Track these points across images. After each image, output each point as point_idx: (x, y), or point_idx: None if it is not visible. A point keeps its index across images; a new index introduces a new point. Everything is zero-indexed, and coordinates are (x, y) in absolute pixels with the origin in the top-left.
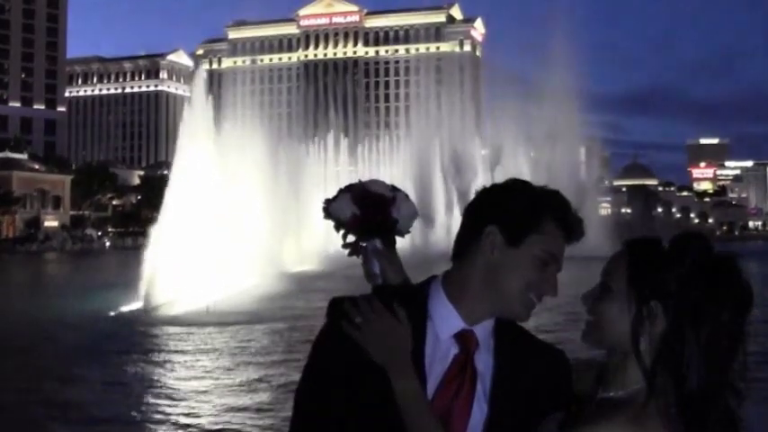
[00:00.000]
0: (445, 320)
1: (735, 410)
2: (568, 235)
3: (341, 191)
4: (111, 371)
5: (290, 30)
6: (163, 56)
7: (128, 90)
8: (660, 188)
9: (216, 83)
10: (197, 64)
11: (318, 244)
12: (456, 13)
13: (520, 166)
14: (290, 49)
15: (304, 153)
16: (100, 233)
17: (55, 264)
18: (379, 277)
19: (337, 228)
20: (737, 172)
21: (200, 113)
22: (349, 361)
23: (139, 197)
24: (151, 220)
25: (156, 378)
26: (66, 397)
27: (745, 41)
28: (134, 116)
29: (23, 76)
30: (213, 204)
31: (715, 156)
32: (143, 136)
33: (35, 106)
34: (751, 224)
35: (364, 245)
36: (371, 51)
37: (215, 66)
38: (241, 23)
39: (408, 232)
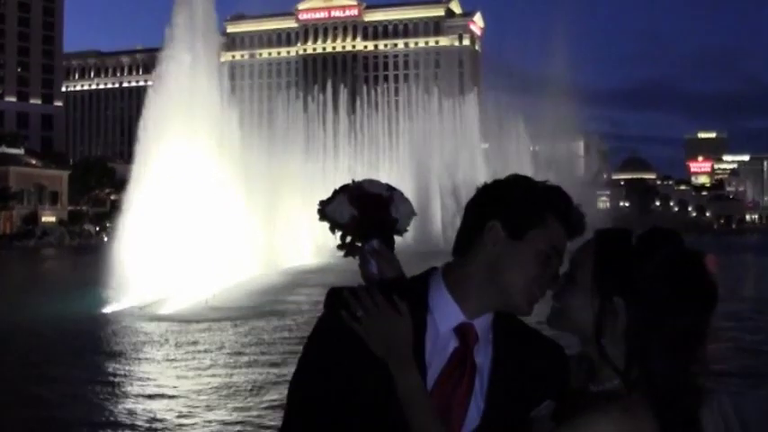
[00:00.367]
0: (445, 313)
1: (698, 407)
2: (570, 230)
3: (336, 192)
4: (99, 369)
5: (288, 24)
6: (160, 50)
7: (125, 84)
8: (658, 182)
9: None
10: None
11: (317, 236)
12: (455, 6)
13: (520, 159)
14: (288, 43)
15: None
16: (98, 228)
17: (52, 260)
18: (377, 278)
19: (333, 229)
20: (735, 166)
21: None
22: (347, 352)
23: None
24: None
25: (150, 376)
26: (50, 396)
27: (743, 36)
28: (132, 111)
29: (20, 70)
30: (207, 198)
31: (713, 150)
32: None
33: (32, 101)
34: (748, 217)
35: (361, 245)
36: (370, 45)
37: (213, 60)
38: (239, 18)
39: (407, 231)
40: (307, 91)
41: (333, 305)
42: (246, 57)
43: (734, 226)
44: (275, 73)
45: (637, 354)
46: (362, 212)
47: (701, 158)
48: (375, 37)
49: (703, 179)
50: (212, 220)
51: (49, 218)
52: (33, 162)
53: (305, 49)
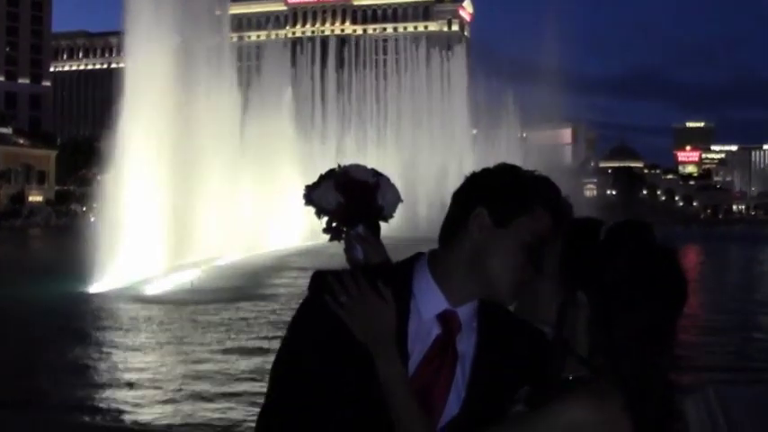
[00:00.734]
0: (429, 300)
1: (672, 400)
2: (557, 220)
3: (322, 177)
4: (77, 352)
5: (277, 7)
6: (149, 31)
7: (114, 65)
8: (646, 171)
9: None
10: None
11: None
12: None
13: (509, 146)
14: (277, 26)
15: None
16: (85, 209)
17: (38, 239)
18: (363, 263)
19: (319, 214)
20: (722, 156)
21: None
22: (331, 335)
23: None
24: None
25: (129, 360)
26: (32, 382)
27: (732, 26)
28: (120, 91)
29: (8, 50)
30: (195, 178)
31: (701, 139)
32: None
33: (20, 81)
34: (735, 208)
35: (347, 231)
36: (359, 29)
37: (202, 43)
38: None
39: (392, 217)
40: (297, 72)
41: (317, 288)
42: (234, 39)
43: (721, 216)
44: (264, 56)
45: (600, 348)
46: (349, 199)
47: (688, 148)
48: (364, 21)
49: (691, 169)
50: (202, 199)
51: (36, 197)
52: (21, 142)
53: (293, 33)
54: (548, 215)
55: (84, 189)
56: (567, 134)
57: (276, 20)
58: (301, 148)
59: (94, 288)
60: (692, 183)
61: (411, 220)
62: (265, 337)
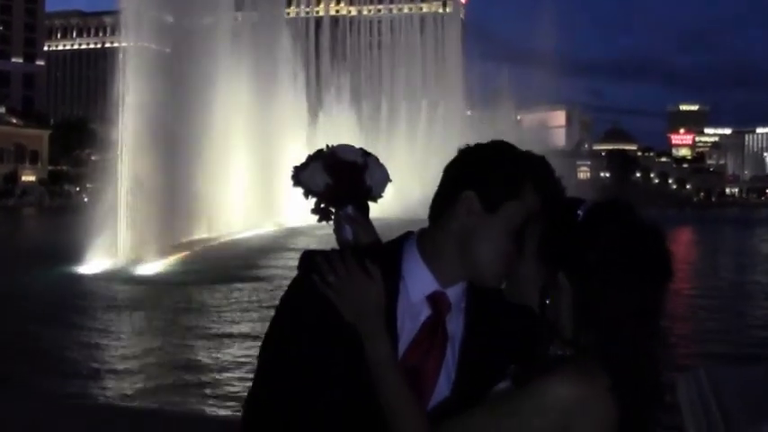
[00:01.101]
0: (418, 281)
1: (659, 379)
2: (548, 202)
3: (310, 158)
4: (69, 331)
5: None
6: (141, 10)
7: (108, 45)
8: (639, 153)
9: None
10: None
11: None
12: None
13: (504, 128)
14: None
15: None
16: (78, 189)
17: (31, 219)
18: (352, 243)
19: (307, 195)
20: (716, 139)
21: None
22: (319, 316)
23: (118, 153)
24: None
25: (119, 342)
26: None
27: (726, 9)
28: (114, 71)
29: (1, 29)
30: (194, 154)
31: (694, 122)
32: (117, 91)
33: (13, 60)
34: (728, 191)
35: (335, 212)
36: (354, 10)
37: (196, 22)
38: None
39: (381, 197)
40: (296, 55)
41: (306, 268)
42: (240, 19)
43: (714, 199)
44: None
45: (584, 328)
46: (337, 180)
47: (682, 131)
48: (359, 2)
49: (684, 152)
50: (202, 176)
51: (29, 177)
52: (14, 121)
53: (288, 14)
54: (539, 197)
55: (77, 169)
56: (561, 116)
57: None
58: (295, 132)
59: (88, 268)
60: (685, 166)
61: (404, 202)
62: (256, 320)
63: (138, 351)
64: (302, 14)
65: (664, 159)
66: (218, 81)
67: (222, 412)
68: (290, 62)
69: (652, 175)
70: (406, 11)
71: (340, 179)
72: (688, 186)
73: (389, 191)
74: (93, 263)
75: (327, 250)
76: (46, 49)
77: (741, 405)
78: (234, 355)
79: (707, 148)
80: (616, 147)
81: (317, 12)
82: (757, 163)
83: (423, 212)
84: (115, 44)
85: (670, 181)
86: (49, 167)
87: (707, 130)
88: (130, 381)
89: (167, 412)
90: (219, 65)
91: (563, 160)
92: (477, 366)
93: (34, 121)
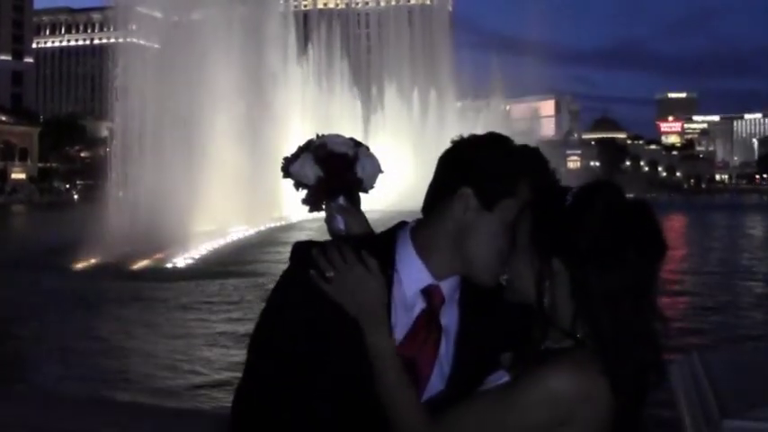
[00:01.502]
0: (412, 274)
1: (659, 355)
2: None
3: (301, 149)
4: (60, 326)
5: None
6: (132, 7)
7: (96, 41)
8: (629, 142)
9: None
10: (167, 16)
11: None
12: None
13: (494, 118)
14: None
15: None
16: (68, 185)
17: (21, 216)
18: (345, 234)
19: (297, 187)
20: (705, 126)
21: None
22: (312, 308)
23: (108, 149)
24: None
25: (112, 336)
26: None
27: None
28: (103, 68)
29: None
30: (192, 150)
31: (683, 110)
32: (112, 88)
33: (1, 57)
34: (718, 177)
35: (327, 203)
36: (342, 3)
37: (185, 17)
38: None
39: (372, 188)
40: (287, 49)
41: (298, 259)
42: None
43: (704, 186)
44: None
45: (582, 310)
46: (328, 173)
47: (671, 118)
48: None
49: (673, 139)
50: (201, 171)
51: (18, 175)
52: (3, 119)
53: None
54: (533, 192)
55: (67, 166)
56: (550, 106)
57: None
58: (289, 125)
59: (80, 264)
60: (674, 153)
61: (395, 194)
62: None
63: (126, 347)
64: (291, 8)
65: (653, 147)
66: (210, 74)
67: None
68: (282, 55)
69: (642, 163)
70: (393, 3)
71: (331, 172)
72: (678, 174)
73: (382, 183)
74: (86, 258)
75: (322, 241)
76: (34, 45)
77: (736, 388)
78: (230, 353)
79: (696, 135)
80: (605, 135)
81: (305, 5)
82: (746, 149)
83: (412, 204)
84: (104, 40)
85: (660, 168)
86: (39, 164)
87: (696, 117)
88: (123, 376)
89: (161, 408)
90: (210, 59)
91: (553, 150)
92: (471, 359)
93: (23, 119)
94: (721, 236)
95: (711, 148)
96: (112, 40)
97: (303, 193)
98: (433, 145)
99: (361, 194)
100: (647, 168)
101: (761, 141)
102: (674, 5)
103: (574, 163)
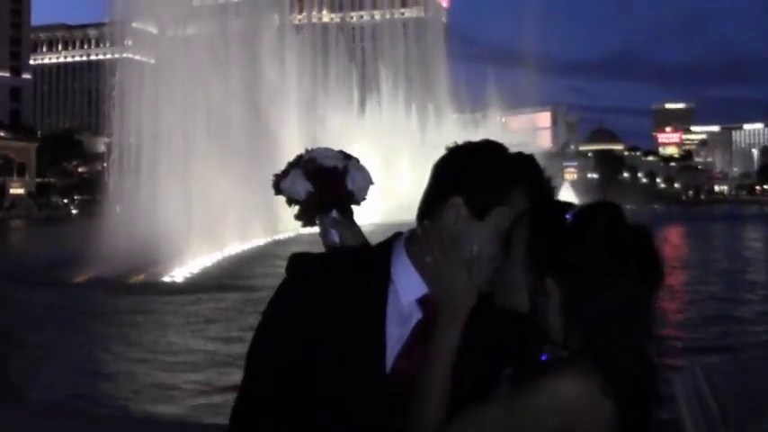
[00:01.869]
0: (408, 284)
1: (655, 377)
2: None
3: (291, 165)
4: (65, 342)
5: None
6: (128, 23)
7: (93, 57)
8: (626, 153)
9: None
10: (162, 31)
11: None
12: None
13: (490, 130)
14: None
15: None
16: (66, 200)
17: (20, 231)
18: (339, 247)
19: (290, 203)
20: (703, 136)
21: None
22: (307, 319)
23: (105, 164)
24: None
25: (109, 350)
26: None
27: (711, 4)
28: (99, 83)
29: None
30: (192, 164)
31: (681, 120)
32: (109, 103)
33: None
34: (717, 188)
35: (320, 217)
36: (336, 17)
37: (180, 32)
38: None
39: (364, 200)
40: (283, 63)
41: (294, 271)
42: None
43: (703, 197)
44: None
45: (573, 331)
46: (318, 187)
47: (668, 129)
48: (341, 9)
49: (671, 150)
50: (201, 186)
51: (16, 190)
52: (1, 134)
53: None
54: (527, 201)
55: (65, 181)
56: (546, 118)
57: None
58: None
59: (79, 277)
60: (672, 164)
61: (393, 206)
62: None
63: (122, 360)
64: (287, 22)
65: (651, 158)
66: (205, 88)
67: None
68: (278, 69)
69: (639, 175)
70: (388, 16)
71: (321, 186)
72: (676, 185)
73: (376, 195)
74: (84, 273)
75: (317, 253)
76: (32, 62)
77: (738, 399)
78: (227, 367)
79: (694, 146)
80: (602, 147)
81: (299, 20)
82: (746, 159)
83: (410, 216)
84: (100, 56)
85: (658, 180)
86: (37, 180)
87: (693, 128)
88: (127, 388)
89: (163, 420)
90: (206, 73)
91: (549, 162)
92: (469, 369)
93: (21, 134)
94: (721, 246)
95: (710, 159)
96: (109, 56)
97: (296, 208)
98: (430, 157)
99: (357, 207)
100: (645, 180)
101: (761, 151)
102: (671, 13)
103: (571, 175)
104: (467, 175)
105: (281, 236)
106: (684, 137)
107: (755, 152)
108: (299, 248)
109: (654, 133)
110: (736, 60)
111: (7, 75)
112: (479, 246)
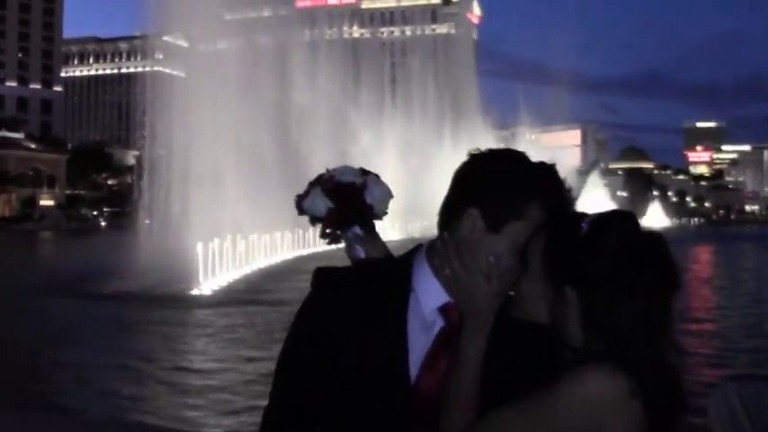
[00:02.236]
0: (429, 293)
1: (679, 384)
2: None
3: (311, 184)
4: (93, 353)
5: (286, 11)
6: (158, 36)
7: (123, 70)
8: (656, 171)
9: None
10: (193, 45)
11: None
12: None
13: (517, 147)
14: (285, 30)
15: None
16: (95, 212)
17: (49, 243)
18: (365, 261)
19: (313, 222)
20: (734, 156)
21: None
22: (332, 330)
23: (135, 177)
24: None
25: (132, 364)
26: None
27: (742, 24)
28: (130, 96)
29: (20, 55)
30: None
31: (712, 139)
32: (139, 116)
33: (31, 86)
34: (747, 208)
35: (343, 233)
36: (367, 33)
37: (211, 46)
38: (236, 4)
39: (386, 213)
40: (314, 79)
41: (319, 284)
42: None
43: (733, 216)
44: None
45: (592, 339)
46: (338, 203)
47: (699, 148)
48: (372, 24)
49: (702, 169)
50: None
51: (46, 201)
52: (32, 146)
53: (302, 37)
54: (545, 213)
55: (94, 193)
56: (576, 135)
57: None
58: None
59: (110, 288)
60: (703, 183)
61: (429, 223)
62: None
63: (148, 372)
64: (315, 38)
65: (681, 177)
66: (235, 102)
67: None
68: (308, 84)
69: (670, 193)
70: (419, 33)
71: (340, 202)
72: (707, 204)
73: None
74: (112, 285)
75: (343, 267)
76: (63, 74)
77: None
78: (255, 380)
79: (725, 165)
80: (632, 165)
81: (329, 35)
82: None
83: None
84: (131, 69)
85: (688, 198)
86: (67, 192)
87: (725, 147)
88: (154, 400)
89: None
90: (235, 87)
91: (579, 179)
92: (493, 377)
93: (52, 146)
94: (752, 265)
95: (741, 179)
96: (139, 69)
97: (320, 227)
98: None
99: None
100: (675, 198)
101: None
102: (702, 32)
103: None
104: (484, 186)
105: (309, 251)
106: (715, 156)
107: None
108: (326, 263)
109: (684, 152)
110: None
111: (39, 87)
112: (496, 257)
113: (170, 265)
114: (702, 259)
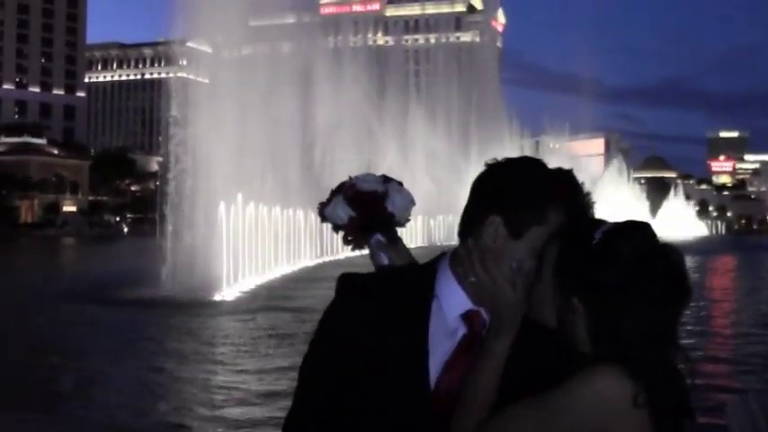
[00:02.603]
0: (451, 300)
1: (686, 393)
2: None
3: (333, 192)
4: (116, 360)
5: (310, 17)
6: (183, 42)
7: (147, 76)
8: (679, 181)
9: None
10: (217, 51)
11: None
12: (476, 2)
13: (546, 158)
14: (310, 37)
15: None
16: (118, 219)
17: (72, 249)
18: (389, 268)
19: (336, 230)
20: (757, 166)
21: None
22: (356, 337)
23: (157, 183)
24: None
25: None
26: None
27: (766, 34)
28: (153, 102)
29: (43, 61)
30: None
31: (734, 149)
32: (162, 122)
33: (54, 92)
34: None
35: (366, 240)
36: (391, 41)
37: (235, 53)
38: (260, 11)
39: (408, 221)
40: (337, 86)
41: (343, 290)
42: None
43: (755, 226)
44: (296, 66)
45: (599, 349)
46: (360, 212)
47: (722, 158)
48: (396, 32)
49: (724, 179)
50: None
51: (69, 207)
52: (55, 152)
53: (326, 44)
54: (564, 217)
55: (117, 199)
56: (599, 144)
57: (309, 31)
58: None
59: (134, 294)
60: (725, 193)
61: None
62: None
63: (171, 379)
64: (339, 45)
65: (704, 186)
66: (259, 109)
67: None
68: (332, 91)
69: (692, 203)
70: (443, 41)
71: (361, 210)
72: (729, 214)
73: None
74: (135, 291)
75: (367, 273)
76: (86, 80)
77: None
78: (278, 385)
79: (747, 175)
80: (655, 174)
81: (354, 43)
82: None
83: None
84: (154, 75)
85: (710, 208)
86: (89, 198)
87: (747, 157)
88: (176, 407)
89: None
90: (260, 94)
91: (601, 189)
92: (511, 383)
93: (74, 152)
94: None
95: (764, 189)
96: (163, 75)
97: (342, 234)
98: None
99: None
100: (697, 208)
101: None
102: (725, 42)
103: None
104: (505, 195)
105: (332, 258)
106: (738, 166)
107: None
108: (350, 269)
109: (707, 161)
110: None
111: (62, 93)
112: (518, 262)
113: (193, 271)
114: (725, 267)
